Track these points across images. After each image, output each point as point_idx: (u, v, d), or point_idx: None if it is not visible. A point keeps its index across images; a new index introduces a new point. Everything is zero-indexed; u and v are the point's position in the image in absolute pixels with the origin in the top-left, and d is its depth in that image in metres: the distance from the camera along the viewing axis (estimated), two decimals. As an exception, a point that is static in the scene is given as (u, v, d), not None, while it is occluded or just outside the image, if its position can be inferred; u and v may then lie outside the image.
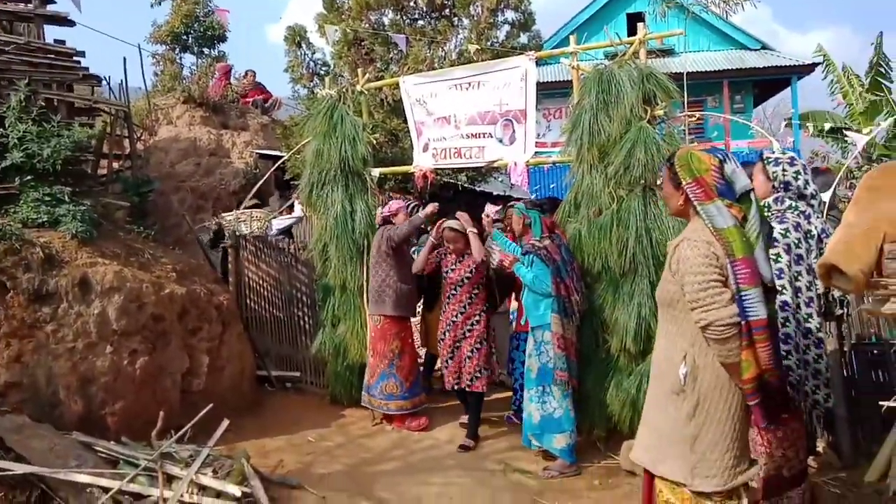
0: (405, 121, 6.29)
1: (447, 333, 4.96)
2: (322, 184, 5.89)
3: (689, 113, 6.46)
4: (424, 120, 5.85)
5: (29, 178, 5.42)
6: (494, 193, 8.54)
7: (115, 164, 7.87)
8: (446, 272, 5.01)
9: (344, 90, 6.19)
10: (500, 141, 5.40)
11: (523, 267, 4.52)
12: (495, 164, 5.64)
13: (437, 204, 5.69)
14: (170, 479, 3.87)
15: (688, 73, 7.57)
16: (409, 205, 5.76)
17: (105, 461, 4.02)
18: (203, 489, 3.80)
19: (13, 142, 5.49)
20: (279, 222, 7.35)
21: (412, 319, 5.62)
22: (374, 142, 6.14)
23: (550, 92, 13.37)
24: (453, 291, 4.97)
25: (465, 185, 8.43)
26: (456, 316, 4.93)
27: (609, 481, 4.28)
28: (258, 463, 4.37)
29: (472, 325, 4.92)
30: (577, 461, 4.44)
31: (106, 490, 3.71)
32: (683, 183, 2.34)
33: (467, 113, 5.50)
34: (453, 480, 4.37)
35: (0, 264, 4.49)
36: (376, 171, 5.97)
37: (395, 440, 5.07)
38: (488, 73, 5.35)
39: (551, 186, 13.37)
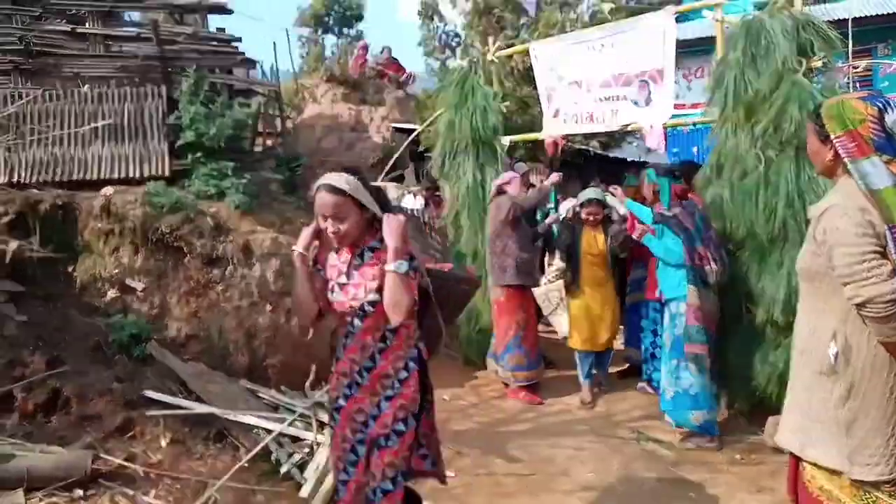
0: (536, 88, 6.25)
1: (342, 400, 2.44)
2: (454, 154, 6.05)
3: (855, 63, 5.80)
4: (555, 85, 5.78)
5: (199, 154, 6.08)
6: (629, 159, 8.25)
7: (269, 142, 8.55)
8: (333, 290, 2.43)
9: (475, 60, 6.26)
10: (636, 103, 5.21)
11: (653, 238, 4.39)
12: (629, 128, 5.46)
13: (561, 173, 5.63)
14: (322, 426, 4.27)
15: (855, 19, 6.76)
16: (523, 173, 5.75)
17: (267, 406, 4.51)
18: (351, 437, 4.15)
19: (186, 122, 6.17)
20: (405, 203, 7.59)
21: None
22: (505, 110, 6.18)
23: (691, 50, 12.56)
24: (350, 328, 2.40)
25: (598, 151, 8.22)
26: (359, 371, 2.40)
27: (752, 457, 4.11)
28: (398, 416, 4.67)
29: (392, 384, 2.40)
30: (718, 434, 4.29)
31: (269, 431, 4.17)
32: (832, 136, 2.08)
33: (600, 75, 5.36)
34: (585, 445, 4.41)
35: (179, 231, 5.11)
36: (506, 140, 6.02)
37: (527, 403, 5.18)
38: (624, 32, 5.17)
39: (693, 150, 12.63)
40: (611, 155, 8.27)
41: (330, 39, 15.21)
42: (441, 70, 9.22)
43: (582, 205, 5.13)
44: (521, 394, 5.23)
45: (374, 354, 2.37)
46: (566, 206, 5.75)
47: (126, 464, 3.76)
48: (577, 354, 5.19)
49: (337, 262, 2.41)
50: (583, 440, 4.49)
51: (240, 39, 7.54)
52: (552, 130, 5.85)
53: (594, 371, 5.22)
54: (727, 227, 4.39)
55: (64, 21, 7.15)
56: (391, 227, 2.24)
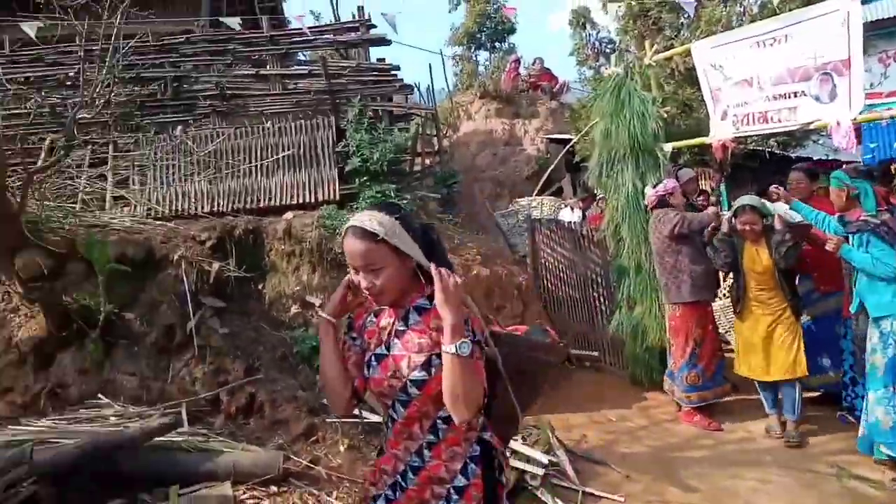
0: (699, 89, 5.91)
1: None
2: (612, 164, 5.88)
3: None
4: (721, 85, 5.41)
5: (365, 178, 6.52)
6: (815, 158, 7.48)
7: (427, 161, 8.93)
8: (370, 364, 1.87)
9: (630, 66, 6.07)
10: (817, 98, 4.72)
11: (853, 249, 3.92)
12: (811, 126, 4.96)
13: (716, 209, 5.19)
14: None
15: None
16: (688, 179, 5.38)
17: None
18: (514, 453, 4.16)
19: (352, 149, 6.65)
20: (563, 216, 7.51)
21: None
22: (665, 115, 5.90)
23: (886, 31, 11.12)
24: (392, 413, 1.87)
25: (776, 151, 7.55)
26: (403, 472, 1.85)
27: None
28: (562, 436, 4.61)
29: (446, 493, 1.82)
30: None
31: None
32: None
33: (773, 72, 4.92)
34: (772, 478, 4.02)
35: (350, 252, 5.50)
36: (668, 147, 5.74)
37: (702, 428, 4.85)
38: (799, 22, 4.72)
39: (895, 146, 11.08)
40: (793, 155, 7.53)
41: (482, 55, 15.58)
42: (595, 78, 9.04)
43: (735, 214, 4.59)
44: (695, 417, 4.90)
45: (421, 450, 1.80)
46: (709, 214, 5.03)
47: (311, 465, 4.10)
48: (756, 383, 4.76)
49: (376, 326, 1.85)
50: (769, 472, 4.10)
51: (398, 68, 7.99)
52: (720, 133, 5.48)
53: (777, 407, 4.65)
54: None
55: (249, 66, 8.05)
56: (446, 293, 1.62)
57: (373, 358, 1.83)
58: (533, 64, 12.40)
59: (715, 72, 5.42)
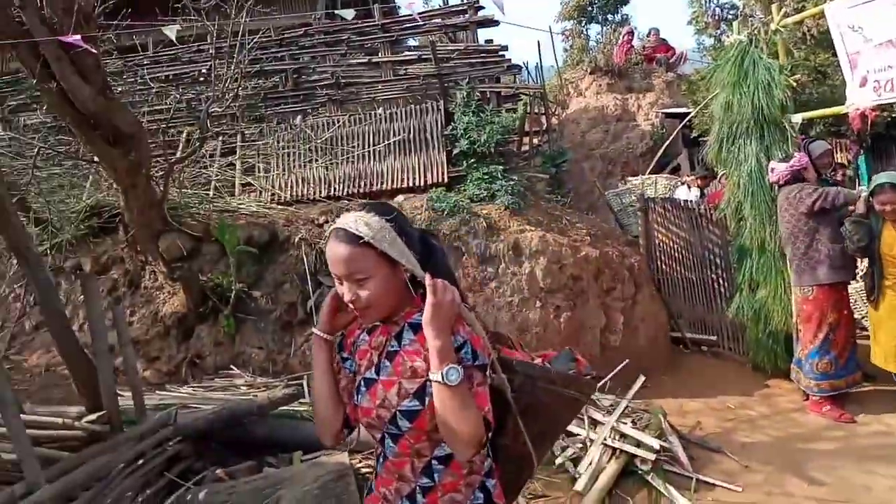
0: (834, 54, 5.41)
1: None
2: (733, 138, 5.54)
3: None
4: (860, 49, 4.92)
5: (472, 160, 6.57)
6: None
7: (535, 140, 8.83)
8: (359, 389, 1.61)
9: (755, 32, 5.66)
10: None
11: None
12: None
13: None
14: (594, 423, 4.30)
15: None
16: (822, 152, 4.93)
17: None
18: (623, 437, 4.10)
19: (460, 132, 6.72)
20: (679, 194, 7.15)
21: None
22: (795, 84, 5.45)
23: None
24: (382, 448, 1.62)
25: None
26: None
27: None
28: (675, 421, 4.48)
29: None
30: None
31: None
32: None
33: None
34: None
35: (457, 232, 5.59)
36: (797, 117, 5.32)
37: (832, 420, 4.52)
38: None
39: None
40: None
41: (594, 29, 15.08)
42: (715, 47, 8.49)
43: (873, 193, 4.20)
44: (824, 407, 4.56)
45: (414, 495, 1.52)
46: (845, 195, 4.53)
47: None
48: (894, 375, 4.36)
49: (368, 346, 1.59)
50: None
51: (506, 48, 7.92)
52: (858, 101, 4.99)
53: None
54: None
55: (362, 54, 8.33)
56: (436, 309, 1.39)
57: (362, 383, 1.55)
58: (648, 35, 11.85)
59: (853, 34, 4.94)
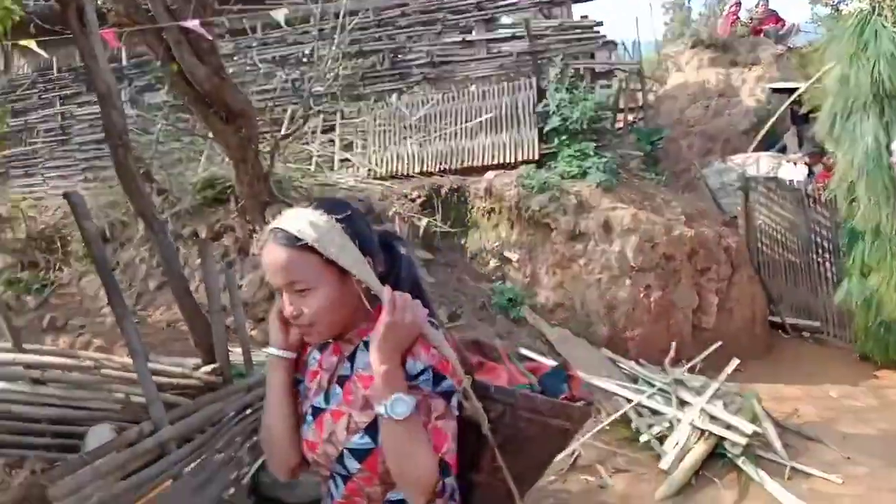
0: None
1: None
2: (848, 114, 5.21)
3: None
4: None
5: (564, 137, 6.52)
6: None
7: (630, 117, 8.60)
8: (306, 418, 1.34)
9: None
10: None
11: None
12: None
13: None
14: (682, 403, 4.24)
15: None
16: None
17: (626, 377, 4.67)
18: (713, 418, 4.02)
19: (552, 109, 6.67)
20: (783, 173, 6.74)
21: None
22: (923, 54, 5.03)
23: None
24: (329, 489, 1.35)
25: None
26: None
27: None
28: (770, 407, 4.34)
29: None
30: None
31: (629, 401, 4.33)
32: None
33: None
34: None
35: (546, 209, 5.60)
36: (925, 92, 4.92)
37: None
38: None
39: None
40: None
41: (697, 1, 14.37)
42: (831, 17, 7.88)
43: None
44: None
45: None
46: None
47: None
48: None
49: (318, 366, 1.32)
50: None
51: (601, 23, 7.74)
52: None
53: None
54: None
55: (457, 33, 8.40)
56: (388, 329, 1.13)
57: (309, 410, 1.28)
58: (756, 6, 11.16)
59: None
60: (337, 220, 1.19)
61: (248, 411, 3.54)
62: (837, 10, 7.99)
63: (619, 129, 8.23)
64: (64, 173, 8.39)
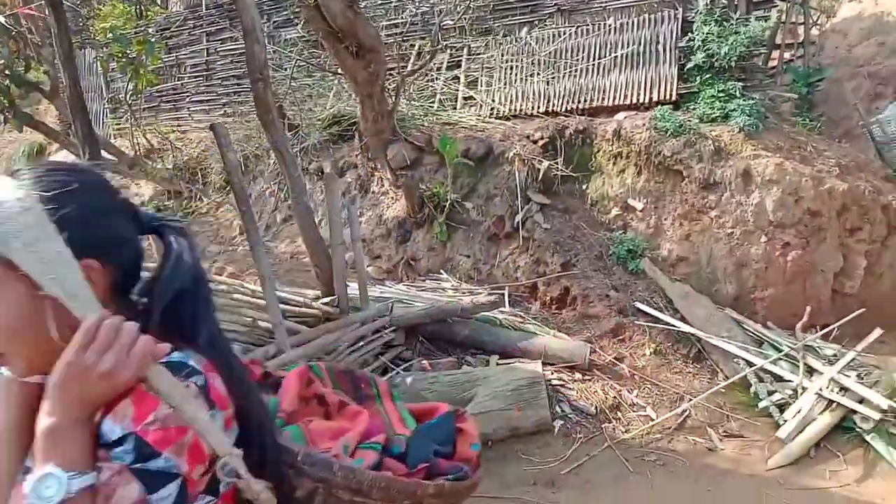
0: None
1: None
2: None
3: None
4: None
5: (707, 76, 5.99)
6: None
7: (787, 55, 7.70)
8: None
9: None
10: None
11: None
12: None
13: None
14: (810, 371, 3.94)
15: None
16: None
17: (751, 339, 4.40)
18: (844, 390, 3.72)
19: (698, 44, 6.12)
20: None
21: None
22: None
23: None
24: None
25: None
26: None
27: None
28: (915, 384, 3.92)
29: None
30: None
31: (750, 364, 4.09)
32: None
33: None
34: None
35: (679, 155, 5.25)
36: None
37: None
38: None
39: None
40: None
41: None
42: None
43: None
44: None
45: None
46: None
47: (616, 362, 4.31)
48: None
49: None
50: None
51: (764, -58, 6.87)
52: None
53: None
54: None
55: (596, -42, 7.84)
56: (64, 369, 0.78)
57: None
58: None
59: None
60: (41, 200, 0.81)
61: (361, 343, 3.77)
62: None
63: (773, 67, 7.42)
64: (206, 108, 8.93)
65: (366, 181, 5.70)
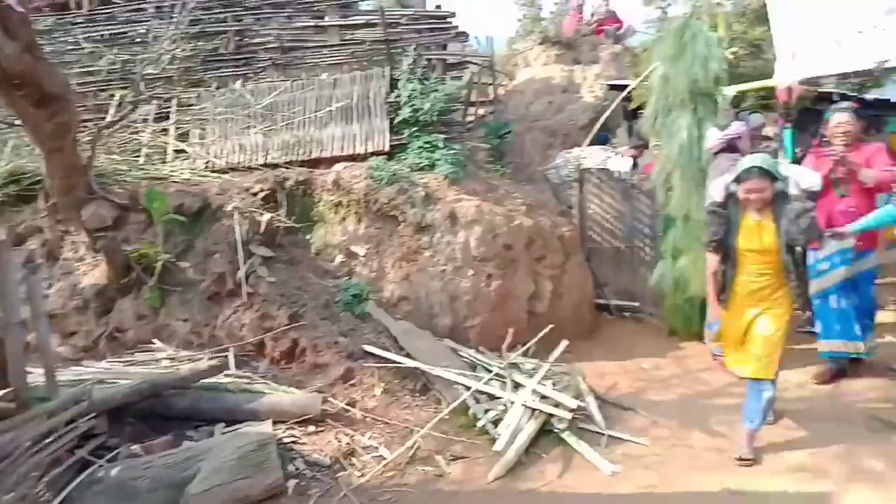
0: (770, 28, 5.56)
1: None
2: (668, 110, 5.66)
3: None
4: (793, 23, 5.11)
5: (415, 129, 6.55)
6: (893, 101, 6.89)
7: (480, 111, 8.81)
8: None
9: (699, 5, 5.76)
10: None
11: None
12: (886, 65, 4.61)
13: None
14: (516, 386, 4.45)
15: None
16: (756, 126, 5.12)
17: (467, 365, 4.82)
18: (543, 398, 4.26)
19: (404, 99, 6.67)
20: (611, 165, 7.27)
21: None
22: (732, 57, 5.58)
23: None
24: None
25: (851, 93, 7.00)
26: None
27: None
28: (593, 383, 4.69)
29: None
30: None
31: (468, 388, 4.47)
32: None
33: (852, 7, 4.60)
34: (802, 425, 4.01)
35: (394, 201, 5.61)
36: (731, 90, 5.47)
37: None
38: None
39: None
40: (868, 97, 6.97)
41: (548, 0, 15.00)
42: (661, 19, 8.58)
43: (738, 179, 3.52)
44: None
45: None
46: (717, 186, 3.77)
47: (348, 407, 4.35)
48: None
49: None
50: (800, 419, 4.08)
51: (454, 14, 7.83)
52: (787, 75, 5.18)
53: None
54: None
55: (309, 17, 8.13)
56: None
57: None
58: (598, 7, 11.84)
59: (788, 8, 5.12)
60: None
61: (49, 440, 3.22)
62: (665, 13, 8.70)
63: (471, 122, 8.41)
64: None
65: (55, 247, 4.99)
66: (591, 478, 3.66)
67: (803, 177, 3.67)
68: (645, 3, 9.50)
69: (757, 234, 3.53)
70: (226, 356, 4.55)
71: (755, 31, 7.36)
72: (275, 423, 3.92)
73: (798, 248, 3.54)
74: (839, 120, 4.36)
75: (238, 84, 7.33)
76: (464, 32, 8.35)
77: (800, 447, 3.74)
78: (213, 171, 6.09)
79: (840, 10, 4.69)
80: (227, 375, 4.31)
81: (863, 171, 4.26)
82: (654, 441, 3.94)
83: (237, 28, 7.97)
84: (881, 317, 5.14)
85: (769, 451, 3.71)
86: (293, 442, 3.88)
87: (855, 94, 7.03)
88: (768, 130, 6.95)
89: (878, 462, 3.49)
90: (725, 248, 3.65)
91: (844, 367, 4.63)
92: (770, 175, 3.44)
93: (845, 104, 4.60)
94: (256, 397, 4.11)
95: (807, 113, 6.93)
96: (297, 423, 4.04)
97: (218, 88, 7.26)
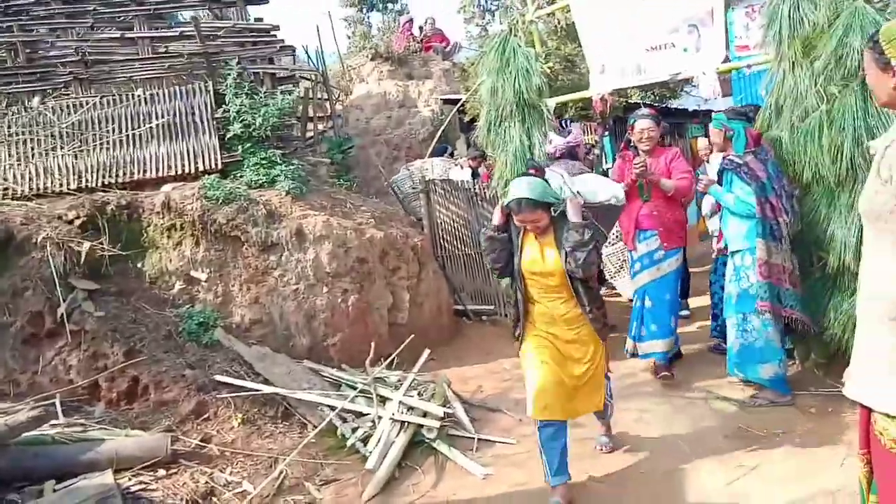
0: (581, 44, 6.05)
1: None
2: (500, 121, 5.93)
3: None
4: (599, 39, 5.58)
5: (248, 145, 6.23)
6: (690, 109, 7.89)
7: (320, 126, 8.66)
8: None
9: (514, 22, 6.10)
10: (685, 50, 4.99)
11: (718, 190, 4.18)
12: (679, 77, 5.21)
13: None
14: (383, 400, 4.36)
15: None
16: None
17: (330, 384, 4.65)
18: (411, 409, 4.22)
19: (233, 115, 6.32)
20: (453, 175, 7.52)
21: None
22: (549, 71, 6.00)
23: (751, -15, 11.74)
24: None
25: (651, 103, 7.91)
26: None
27: (828, 410, 3.92)
28: (458, 388, 4.73)
29: None
30: (791, 391, 4.11)
31: (333, 408, 4.30)
32: (894, 62, 1.90)
33: (647, 24, 5.13)
34: (650, 407, 4.33)
35: (235, 221, 5.27)
36: (552, 102, 5.86)
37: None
38: (668, -25, 4.91)
39: (760, 93, 11.75)
40: (671, 106, 7.92)
41: (375, 17, 15.23)
42: (482, 36, 9.07)
43: (509, 206, 3.14)
44: None
45: None
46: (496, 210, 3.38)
47: (203, 444, 3.97)
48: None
49: None
50: (649, 402, 4.41)
51: (278, 28, 7.60)
52: (599, 87, 5.65)
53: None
54: (790, 171, 4.15)
55: (113, 28, 7.41)
56: None
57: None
58: (425, 24, 12.25)
59: (593, 26, 5.57)
60: None
61: None
62: (486, 30, 9.22)
63: (311, 137, 8.21)
64: None
65: None
66: (466, 483, 3.67)
67: (602, 189, 3.46)
68: (466, 22, 9.95)
69: (539, 257, 3.18)
70: (52, 404, 3.94)
71: (568, 47, 8.04)
72: (118, 471, 3.47)
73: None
74: (643, 126, 4.76)
75: (35, 101, 6.48)
76: (290, 46, 8.14)
77: (653, 429, 4.02)
78: (14, 199, 5.28)
79: (635, 29, 5.22)
80: (53, 426, 3.73)
81: (662, 181, 4.64)
82: (522, 439, 4.04)
83: (27, 39, 7.06)
84: (701, 301, 5.81)
85: (627, 437, 3.95)
86: (142, 489, 3.44)
87: (657, 103, 7.95)
88: (589, 138, 7.63)
89: (717, 432, 3.87)
90: (510, 274, 3.30)
91: (671, 356, 4.91)
92: (544, 203, 3.07)
93: (647, 111, 5.11)
94: (94, 445, 3.60)
95: (620, 121, 7.73)
96: (146, 468, 3.60)
97: (10, 106, 6.35)
